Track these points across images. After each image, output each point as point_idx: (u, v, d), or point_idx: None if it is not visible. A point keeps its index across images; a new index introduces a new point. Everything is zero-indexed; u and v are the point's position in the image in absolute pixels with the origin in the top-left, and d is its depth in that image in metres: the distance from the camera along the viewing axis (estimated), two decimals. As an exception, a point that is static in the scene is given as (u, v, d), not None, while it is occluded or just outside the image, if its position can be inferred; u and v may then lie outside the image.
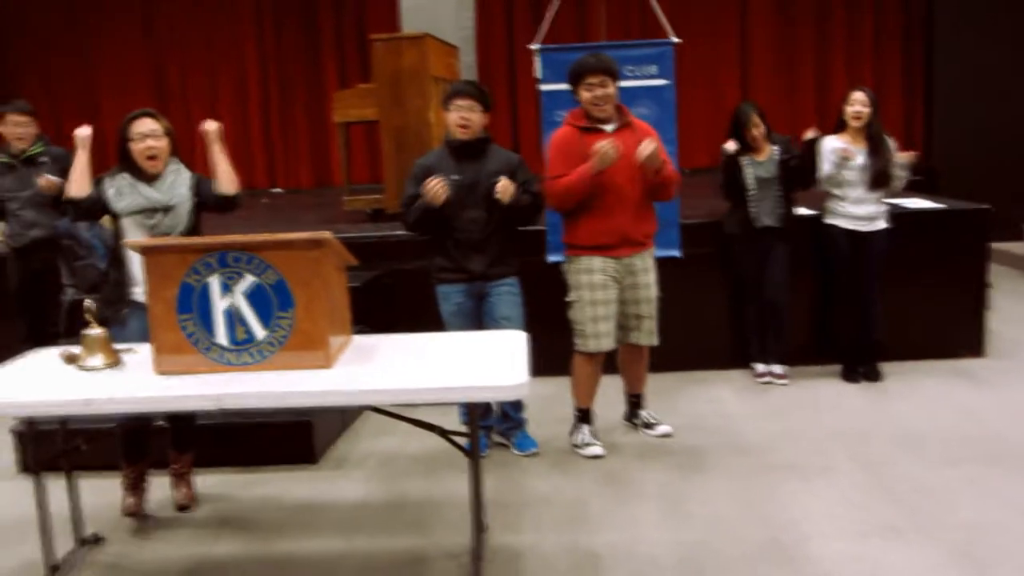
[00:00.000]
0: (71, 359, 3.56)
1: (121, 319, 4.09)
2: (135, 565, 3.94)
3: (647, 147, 4.51)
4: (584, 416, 4.98)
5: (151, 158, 4.11)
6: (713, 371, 6.14)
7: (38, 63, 11.58)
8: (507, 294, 4.73)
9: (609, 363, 4.98)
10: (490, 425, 5.00)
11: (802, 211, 6.01)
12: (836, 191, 5.73)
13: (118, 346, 3.62)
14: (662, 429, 5.11)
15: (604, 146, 4.46)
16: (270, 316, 3.35)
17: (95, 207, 4.16)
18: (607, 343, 4.80)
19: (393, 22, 9.11)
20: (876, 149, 5.64)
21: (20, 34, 11.60)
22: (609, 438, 5.02)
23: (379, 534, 4.11)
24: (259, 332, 3.36)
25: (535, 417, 5.13)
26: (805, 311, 6.17)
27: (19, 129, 5.78)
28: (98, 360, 3.51)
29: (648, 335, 4.91)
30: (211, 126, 4.24)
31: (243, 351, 3.37)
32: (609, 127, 4.68)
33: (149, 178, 4.14)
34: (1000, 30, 10.22)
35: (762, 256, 5.80)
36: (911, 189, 6.65)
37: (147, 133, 4.10)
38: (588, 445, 4.89)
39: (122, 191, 4.11)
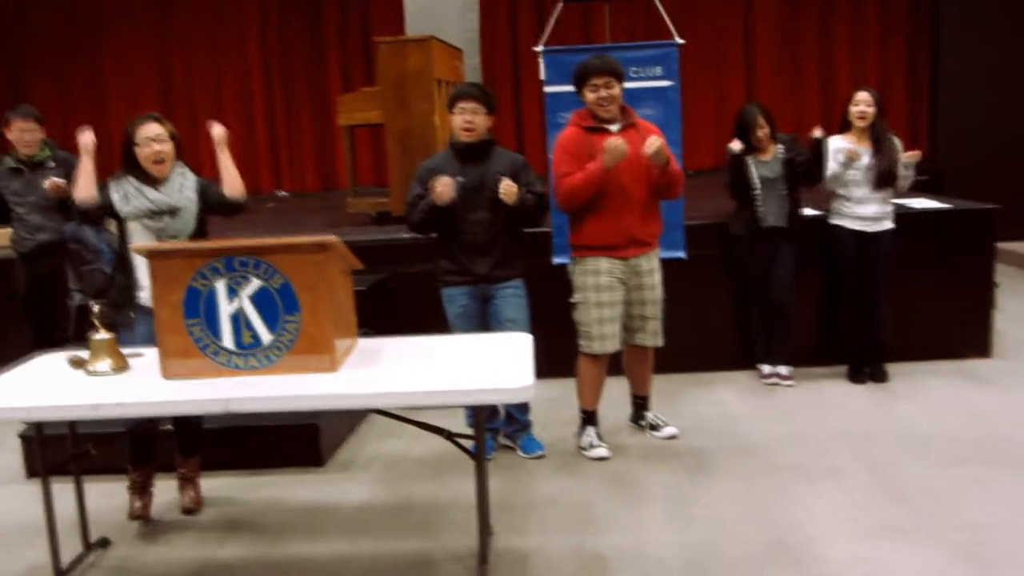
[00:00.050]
0: (78, 363, 3.57)
1: (128, 324, 4.10)
2: (142, 568, 3.95)
3: (654, 142, 4.52)
4: (590, 418, 4.98)
5: (157, 162, 4.12)
6: (718, 372, 6.14)
7: (47, 65, 11.60)
8: (512, 296, 4.74)
9: (614, 365, 4.99)
10: (496, 428, 5.00)
11: (808, 212, 6.01)
12: (841, 191, 5.73)
13: (125, 350, 3.63)
14: (668, 431, 5.11)
15: (614, 141, 4.47)
16: (276, 320, 3.36)
17: (101, 211, 4.18)
18: (612, 345, 4.81)
19: (397, 25, 9.11)
20: (880, 149, 5.64)
21: (29, 37, 11.62)
22: (615, 440, 5.03)
23: (385, 537, 4.12)
24: (265, 336, 3.37)
25: (541, 419, 5.13)
26: (811, 312, 6.17)
27: (26, 135, 5.79)
28: (105, 364, 3.52)
29: (653, 336, 4.91)
30: (217, 131, 4.26)
31: (249, 355, 3.38)
32: (614, 127, 4.68)
33: (155, 181, 4.15)
34: (1006, 28, 10.20)
35: (768, 257, 5.79)
36: (917, 189, 6.64)
37: (153, 137, 4.11)
38: (594, 447, 4.89)
39: (128, 195, 4.12)
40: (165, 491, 4.48)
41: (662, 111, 5.73)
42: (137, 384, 3.38)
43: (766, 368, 5.98)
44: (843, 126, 5.78)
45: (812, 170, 5.67)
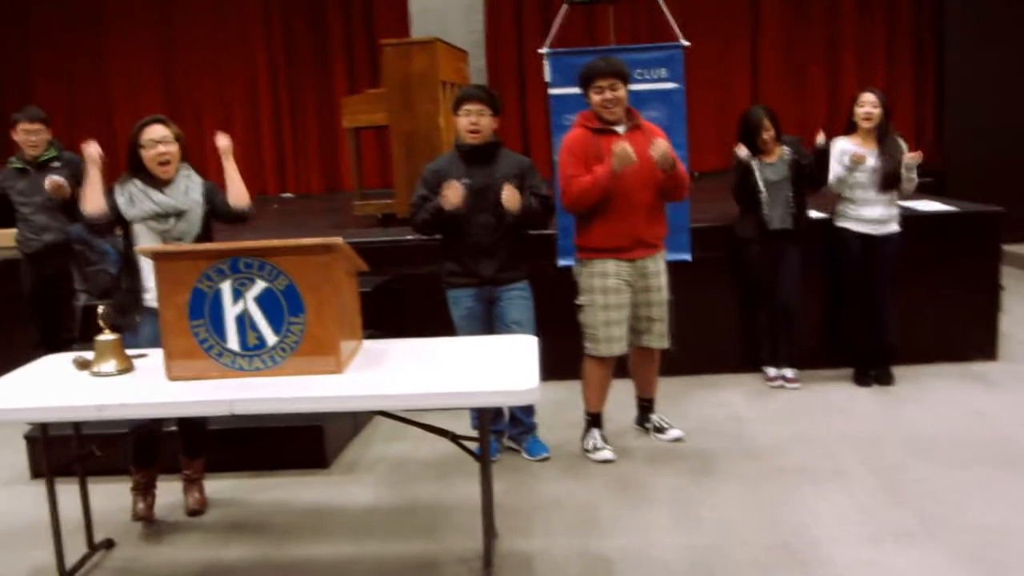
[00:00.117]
0: (83, 365, 3.58)
1: (133, 327, 4.10)
2: (146, 570, 3.95)
3: (660, 144, 4.52)
4: (595, 420, 4.97)
5: (162, 164, 4.13)
6: (724, 375, 6.12)
7: (53, 66, 11.64)
8: (518, 298, 4.73)
9: (619, 367, 4.98)
10: (501, 430, 5.00)
11: (813, 214, 6.00)
12: (847, 194, 5.71)
13: (130, 352, 3.63)
14: (673, 433, 5.10)
15: (622, 145, 4.46)
16: (281, 321, 3.36)
17: (110, 223, 4.17)
18: (619, 347, 4.80)
19: (403, 27, 9.13)
20: (886, 151, 5.63)
21: (35, 38, 11.66)
22: (620, 442, 5.02)
23: (390, 539, 4.12)
24: (270, 338, 3.37)
25: (546, 421, 5.13)
26: (816, 315, 6.16)
27: (32, 136, 5.81)
28: (110, 366, 3.52)
29: (659, 338, 4.91)
30: (223, 142, 4.26)
31: (255, 356, 3.38)
32: (620, 129, 4.68)
33: (160, 184, 4.15)
34: (1012, 31, 10.17)
35: (773, 259, 5.78)
36: (922, 191, 6.63)
37: (158, 139, 4.11)
38: (599, 449, 4.88)
39: (134, 198, 4.12)
40: (170, 492, 4.48)
41: (667, 113, 5.73)
42: (142, 385, 3.38)
43: (772, 371, 5.96)
44: (849, 128, 5.77)
45: (816, 174, 5.66)
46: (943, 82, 10.67)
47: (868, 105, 5.65)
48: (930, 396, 5.61)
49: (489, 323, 4.75)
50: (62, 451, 3.96)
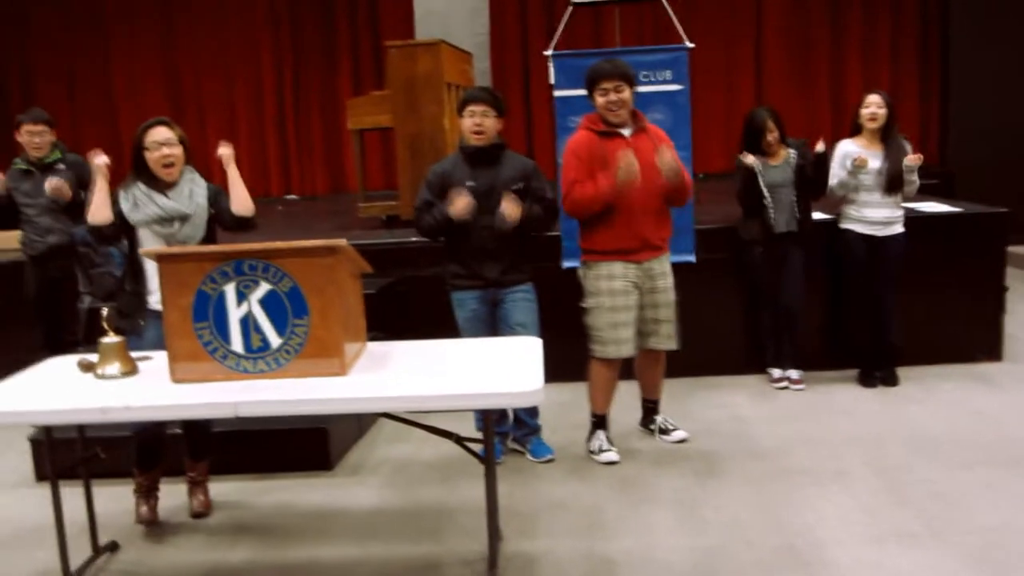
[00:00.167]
0: (88, 367, 3.58)
1: (138, 331, 4.10)
2: (151, 572, 3.95)
3: (667, 156, 4.51)
4: (600, 422, 4.97)
5: (167, 166, 4.12)
6: (728, 376, 6.12)
7: (54, 67, 11.65)
8: (522, 300, 4.73)
9: (624, 368, 4.97)
10: (505, 431, 4.99)
11: (817, 216, 5.99)
12: (852, 195, 5.70)
13: (135, 354, 3.63)
14: (678, 435, 5.09)
15: (628, 160, 4.45)
16: (285, 324, 3.36)
17: (118, 231, 4.17)
18: (627, 349, 4.79)
19: (407, 29, 9.12)
20: (891, 152, 5.62)
21: (37, 38, 11.67)
22: (624, 444, 5.02)
23: (394, 541, 4.12)
24: (274, 340, 3.37)
25: (550, 423, 5.12)
26: (821, 316, 6.16)
27: (36, 138, 5.82)
28: (115, 368, 3.52)
29: (667, 339, 4.90)
30: (225, 150, 4.25)
31: (259, 359, 3.38)
32: (625, 131, 4.68)
33: (164, 187, 4.15)
34: (1017, 32, 10.16)
35: (778, 261, 5.77)
36: (926, 192, 6.62)
37: (162, 142, 4.11)
38: (603, 451, 4.88)
39: (138, 202, 4.12)
40: (174, 495, 4.49)
41: (672, 115, 5.74)
42: (146, 388, 3.39)
43: (776, 372, 5.96)
44: (854, 129, 5.76)
45: (817, 183, 5.65)
46: (948, 83, 10.66)
47: (873, 106, 5.64)
48: (935, 397, 5.60)
49: (493, 325, 4.74)
50: (66, 454, 3.96)
